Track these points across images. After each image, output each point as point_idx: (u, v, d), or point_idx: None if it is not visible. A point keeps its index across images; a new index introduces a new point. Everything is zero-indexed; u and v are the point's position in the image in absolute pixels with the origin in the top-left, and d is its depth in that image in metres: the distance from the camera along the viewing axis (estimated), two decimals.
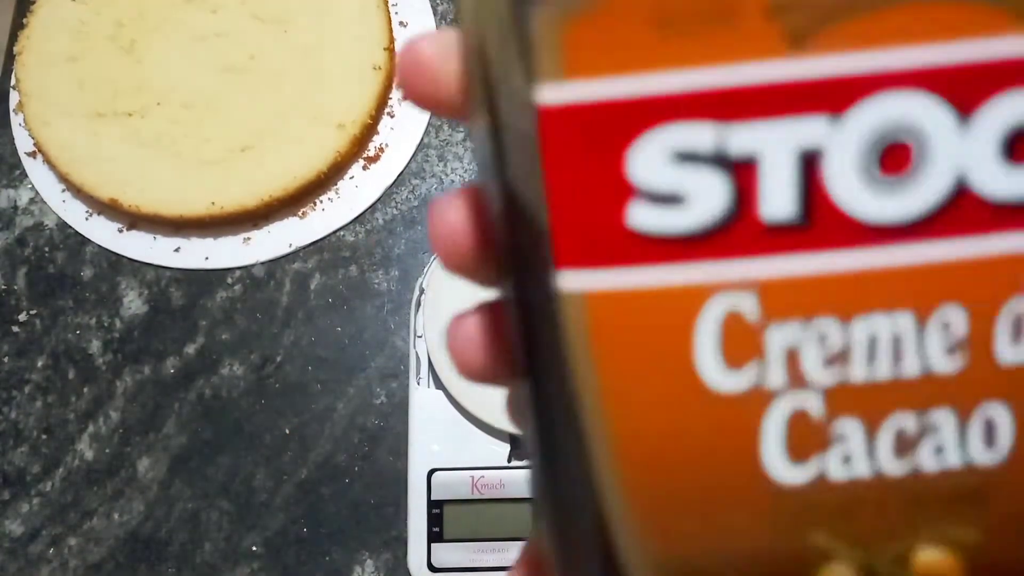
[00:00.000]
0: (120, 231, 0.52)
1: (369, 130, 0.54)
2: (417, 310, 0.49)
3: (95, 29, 0.54)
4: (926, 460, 0.13)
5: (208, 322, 0.50)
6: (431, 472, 0.45)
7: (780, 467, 0.13)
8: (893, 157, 0.12)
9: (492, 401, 0.45)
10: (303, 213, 0.53)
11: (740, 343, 0.13)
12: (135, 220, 0.52)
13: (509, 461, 0.45)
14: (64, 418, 0.49)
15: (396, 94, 0.55)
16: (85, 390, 0.49)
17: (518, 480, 0.45)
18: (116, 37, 0.54)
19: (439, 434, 0.46)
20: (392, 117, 0.55)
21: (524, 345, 0.14)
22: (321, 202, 0.53)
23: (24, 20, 0.54)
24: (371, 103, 0.53)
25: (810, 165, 0.12)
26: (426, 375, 0.47)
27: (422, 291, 0.49)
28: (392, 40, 0.55)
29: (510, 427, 0.45)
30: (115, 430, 0.48)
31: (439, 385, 0.46)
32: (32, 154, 0.54)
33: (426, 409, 0.47)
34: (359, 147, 0.54)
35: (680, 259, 0.13)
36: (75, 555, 0.46)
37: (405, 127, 0.55)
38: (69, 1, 0.54)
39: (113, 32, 0.54)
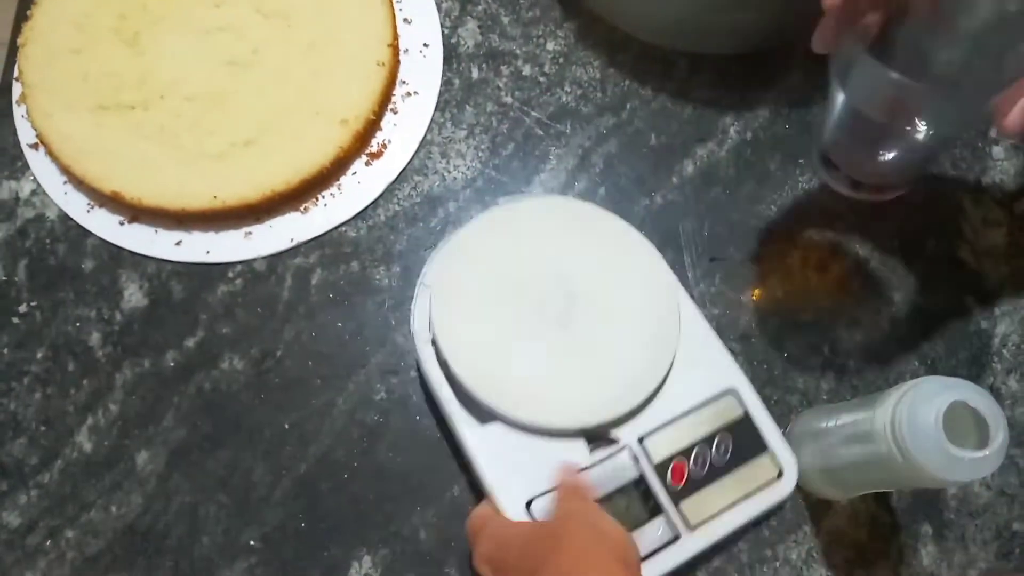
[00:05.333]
0: (121, 224, 0.52)
1: (372, 126, 0.54)
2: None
3: (98, 21, 0.54)
4: None
5: (208, 316, 0.50)
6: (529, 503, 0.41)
7: None
8: None
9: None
10: (305, 208, 0.53)
11: None
12: (137, 213, 0.52)
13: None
14: (63, 410, 0.49)
15: (399, 90, 0.56)
16: (84, 382, 0.49)
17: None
18: (119, 30, 0.54)
19: (510, 464, 0.42)
20: (395, 113, 0.55)
21: None
22: (323, 197, 0.53)
23: (28, 12, 0.54)
24: (374, 99, 0.53)
25: None
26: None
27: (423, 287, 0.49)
28: (396, 36, 0.55)
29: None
30: (114, 423, 0.48)
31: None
32: (34, 146, 0.54)
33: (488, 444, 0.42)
34: (362, 143, 0.54)
35: None
36: (73, 547, 0.46)
37: (408, 123, 0.55)
38: None
39: (116, 25, 0.54)
